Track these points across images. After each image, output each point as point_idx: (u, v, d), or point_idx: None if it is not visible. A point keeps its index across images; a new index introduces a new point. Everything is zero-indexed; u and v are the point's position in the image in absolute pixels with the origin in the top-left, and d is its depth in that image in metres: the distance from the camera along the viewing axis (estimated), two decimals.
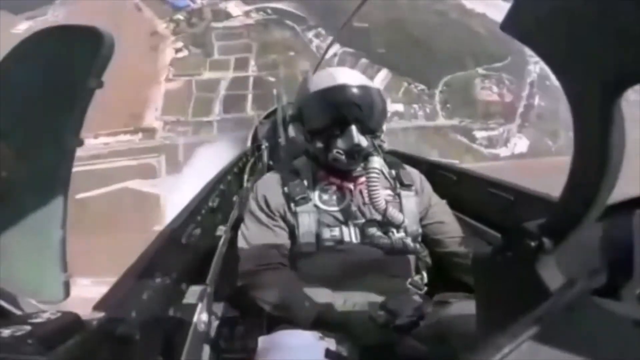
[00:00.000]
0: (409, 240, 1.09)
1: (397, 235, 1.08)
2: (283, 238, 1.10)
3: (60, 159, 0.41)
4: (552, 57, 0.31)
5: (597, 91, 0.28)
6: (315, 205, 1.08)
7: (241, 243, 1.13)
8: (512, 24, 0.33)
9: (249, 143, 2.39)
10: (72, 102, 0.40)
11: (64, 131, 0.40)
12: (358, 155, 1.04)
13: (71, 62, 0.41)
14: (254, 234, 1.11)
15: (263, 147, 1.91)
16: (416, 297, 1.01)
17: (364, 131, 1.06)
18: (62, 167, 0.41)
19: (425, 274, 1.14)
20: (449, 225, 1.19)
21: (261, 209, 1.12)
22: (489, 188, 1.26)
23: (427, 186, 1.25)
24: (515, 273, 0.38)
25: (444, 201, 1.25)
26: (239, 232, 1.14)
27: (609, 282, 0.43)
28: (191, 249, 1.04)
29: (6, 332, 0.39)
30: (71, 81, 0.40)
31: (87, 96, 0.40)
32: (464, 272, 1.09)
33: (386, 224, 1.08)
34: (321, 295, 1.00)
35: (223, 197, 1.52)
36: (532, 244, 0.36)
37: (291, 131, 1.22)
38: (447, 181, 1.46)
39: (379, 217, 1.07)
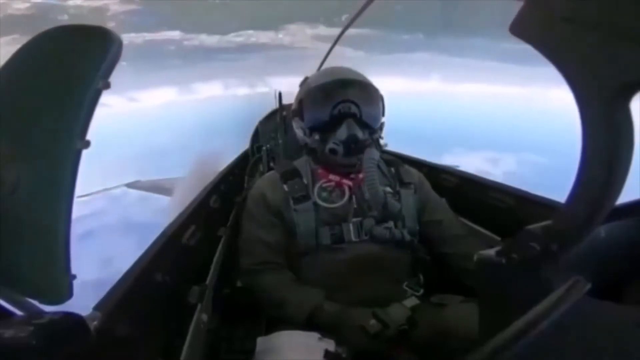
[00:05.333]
0: (407, 234, 1.09)
1: (396, 229, 1.09)
2: (280, 236, 1.10)
3: (67, 160, 0.40)
4: (559, 60, 0.31)
5: (605, 95, 0.29)
6: (315, 203, 1.09)
7: (240, 242, 1.14)
8: (521, 27, 0.33)
9: (249, 144, 2.38)
10: (79, 103, 0.40)
11: (71, 132, 0.40)
12: (355, 146, 1.05)
13: (79, 63, 0.41)
14: (251, 233, 1.12)
15: (264, 148, 1.91)
16: (412, 299, 1.02)
17: (360, 125, 1.08)
18: (68, 167, 0.40)
19: (422, 276, 1.14)
20: (448, 225, 1.19)
21: (259, 208, 1.13)
22: (489, 192, 1.27)
23: (426, 184, 1.25)
24: (519, 276, 0.38)
25: (444, 199, 1.25)
26: (241, 237, 1.15)
27: (612, 284, 0.43)
28: (192, 249, 1.04)
29: (9, 332, 0.39)
30: (78, 82, 0.40)
31: (95, 97, 0.40)
32: (463, 272, 1.09)
33: (385, 219, 1.08)
34: (316, 295, 1.00)
35: (224, 197, 1.52)
36: (538, 247, 0.36)
37: (295, 128, 1.23)
38: (447, 184, 1.46)
39: (376, 213, 1.07)
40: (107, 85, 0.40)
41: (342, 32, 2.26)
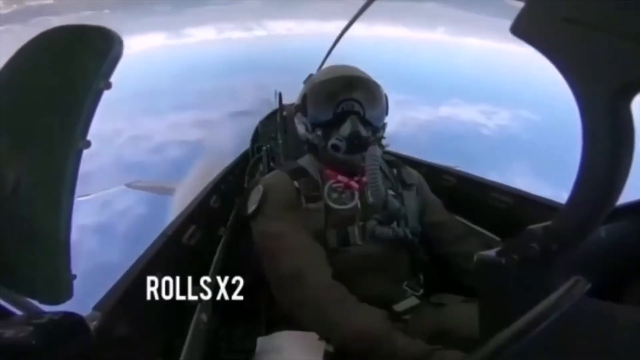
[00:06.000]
0: (409, 233, 1.08)
1: (399, 228, 1.08)
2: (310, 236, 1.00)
3: (67, 160, 0.40)
4: (561, 60, 0.31)
5: (607, 95, 0.29)
6: (326, 205, 1.05)
7: (271, 244, 0.98)
8: (522, 27, 0.33)
9: (249, 144, 2.39)
10: (80, 103, 0.40)
11: (72, 132, 0.40)
12: (358, 142, 1.04)
13: (80, 63, 0.41)
14: (285, 235, 0.98)
15: (264, 148, 1.91)
16: (412, 299, 1.01)
17: (363, 122, 1.07)
18: (68, 167, 0.40)
19: (422, 276, 1.14)
20: (448, 225, 1.20)
21: (278, 206, 1.03)
22: (488, 192, 1.27)
23: (426, 186, 1.26)
24: (520, 276, 0.38)
25: (439, 200, 1.26)
26: (259, 234, 1.02)
27: (612, 284, 0.43)
28: (192, 249, 1.04)
29: (9, 332, 0.39)
30: (80, 82, 0.40)
31: (96, 97, 0.40)
32: (464, 272, 1.09)
33: (388, 221, 1.06)
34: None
35: (224, 197, 1.52)
36: (538, 247, 0.36)
37: (297, 124, 1.22)
38: (446, 184, 1.46)
39: (379, 216, 1.06)
40: (108, 86, 0.40)
41: (342, 33, 2.25)
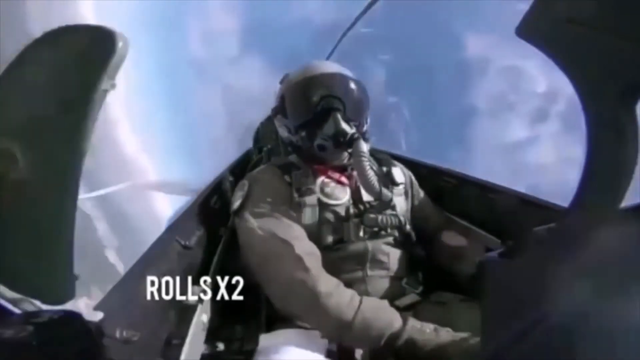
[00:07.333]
0: (404, 221, 1.09)
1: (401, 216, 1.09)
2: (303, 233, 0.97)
3: (71, 161, 0.40)
4: (565, 62, 0.31)
5: (613, 97, 0.29)
6: (319, 200, 1.03)
7: (260, 246, 0.95)
8: (527, 30, 0.33)
9: (251, 144, 2.39)
10: (84, 104, 0.39)
11: (75, 132, 0.40)
12: (343, 140, 1.02)
13: (84, 63, 0.41)
14: (274, 234, 0.94)
15: (265, 148, 1.91)
16: (412, 296, 1.01)
17: (345, 119, 1.05)
18: (72, 168, 0.40)
19: (420, 274, 1.14)
20: (434, 217, 1.25)
21: (265, 201, 1.00)
22: (488, 193, 1.27)
23: (415, 183, 1.28)
24: (522, 277, 0.38)
25: (425, 195, 1.29)
26: (244, 234, 1.01)
27: (612, 286, 0.43)
28: (192, 249, 1.04)
29: (9, 332, 0.39)
30: (84, 82, 0.40)
31: (99, 98, 0.40)
32: (455, 263, 1.10)
33: (382, 208, 1.06)
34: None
35: (225, 197, 1.52)
36: (542, 249, 0.36)
37: (278, 127, 1.19)
38: (447, 185, 1.46)
39: (374, 211, 1.06)
40: (113, 86, 0.40)
41: (345, 33, 2.26)
